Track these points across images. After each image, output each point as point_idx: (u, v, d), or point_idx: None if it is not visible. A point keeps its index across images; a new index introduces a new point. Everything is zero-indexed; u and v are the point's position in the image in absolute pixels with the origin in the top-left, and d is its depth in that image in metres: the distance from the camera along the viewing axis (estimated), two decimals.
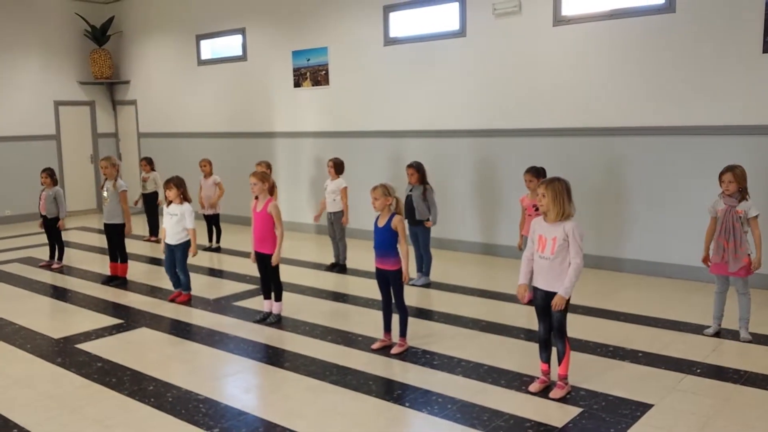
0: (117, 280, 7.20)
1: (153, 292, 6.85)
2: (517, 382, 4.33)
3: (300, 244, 9.12)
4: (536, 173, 6.06)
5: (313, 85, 9.81)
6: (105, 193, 7.10)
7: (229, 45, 11.02)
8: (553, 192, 3.95)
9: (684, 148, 6.73)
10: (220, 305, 6.34)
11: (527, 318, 5.63)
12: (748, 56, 6.28)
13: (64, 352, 5.16)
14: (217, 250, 8.96)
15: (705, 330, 5.11)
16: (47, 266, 8.02)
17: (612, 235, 7.29)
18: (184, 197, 6.34)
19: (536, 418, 3.82)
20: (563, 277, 3.97)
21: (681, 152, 6.77)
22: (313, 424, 3.82)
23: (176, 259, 6.36)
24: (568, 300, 4.03)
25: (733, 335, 5.01)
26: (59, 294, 6.88)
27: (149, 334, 5.52)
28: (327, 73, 9.61)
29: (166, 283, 6.71)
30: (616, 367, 4.59)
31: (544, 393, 4.14)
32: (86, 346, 5.25)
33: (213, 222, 9.08)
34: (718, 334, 5.06)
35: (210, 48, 11.40)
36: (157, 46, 12.29)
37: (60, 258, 8.08)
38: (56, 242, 8.05)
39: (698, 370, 4.45)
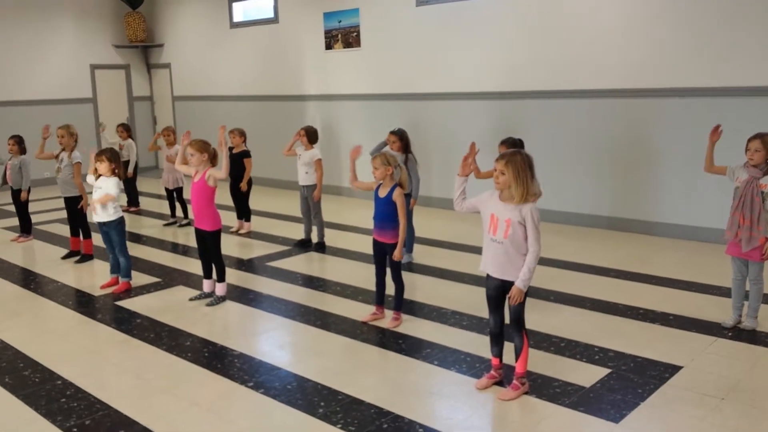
0: (77, 256, 6.80)
1: (187, 252, 7.01)
2: (545, 342, 4.37)
3: (339, 207, 9.10)
4: (513, 146, 5.17)
5: (344, 47, 9.76)
6: (59, 164, 6.69)
7: (261, 7, 11.00)
8: (515, 168, 3.38)
9: (720, 110, 6.56)
10: (253, 265, 6.47)
11: (553, 279, 5.65)
12: None
13: (104, 309, 5.34)
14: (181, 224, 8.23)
15: (723, 322, 4.57)
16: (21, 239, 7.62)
17: (646, 199, 7.20)
18: (117, 173, 5.62)
19: (564, 378, 3.85)
20: (517, 264, 3.50)
21: (717, 114, 6.60)
22: (345, 381, 3.91)
23: (113, 241, 5.72)
24: (527, 290, 3.63)
25: (766, 299, 4.77)
26: (98, 254, 7.01)
27: (186, 293, 5.66)
28: (358, 35, 9.55)
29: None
30: (646, 329, 4.59)
31: (571, 353, 4.18)
32: (125, 303, 5.43)
33: (176, 196, 8.30)
34: (737, 325, 4.52)
35: (242, 10, 11.40)
36: (189, 8, 12.31)
37: (26, 231, 7.61)
38: (20, 215, 7.49)
39: (729, 334, 4.43)
